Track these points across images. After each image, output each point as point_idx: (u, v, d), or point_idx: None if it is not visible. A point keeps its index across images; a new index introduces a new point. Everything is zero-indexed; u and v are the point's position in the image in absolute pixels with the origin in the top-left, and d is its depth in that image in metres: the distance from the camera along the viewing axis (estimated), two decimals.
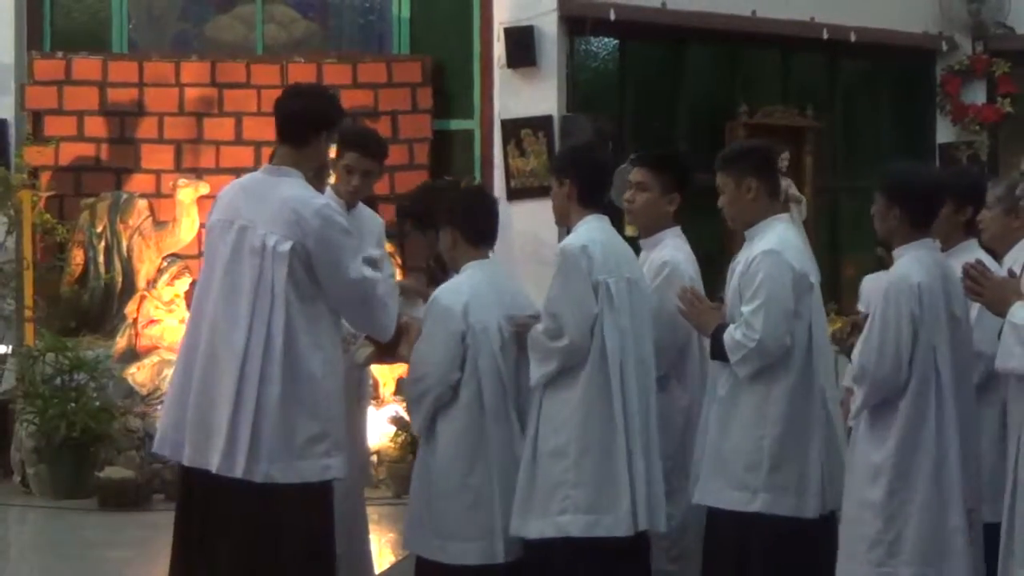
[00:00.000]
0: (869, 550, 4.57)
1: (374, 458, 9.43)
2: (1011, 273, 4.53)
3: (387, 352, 5.34)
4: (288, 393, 4.72)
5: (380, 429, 9.35)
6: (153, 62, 10.89)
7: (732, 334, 4.95)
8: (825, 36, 11.57)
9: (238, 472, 4.70)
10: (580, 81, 11.00)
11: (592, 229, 5.07)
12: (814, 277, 5.11)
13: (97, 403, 9.37)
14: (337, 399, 4.87)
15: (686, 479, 5.22)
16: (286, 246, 4.74)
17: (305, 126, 4.93)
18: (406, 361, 5.26)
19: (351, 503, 5.37)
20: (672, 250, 5.45)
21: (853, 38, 11.64)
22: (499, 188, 10.63)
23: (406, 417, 9.22)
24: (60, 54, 10.86)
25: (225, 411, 4.72)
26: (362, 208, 5.93)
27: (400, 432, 9.45)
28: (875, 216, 4.84)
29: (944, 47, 12.17)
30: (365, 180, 5.78)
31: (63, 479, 9.16)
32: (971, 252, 5.00)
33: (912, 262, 4.65)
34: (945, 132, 12.27)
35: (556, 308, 4.93)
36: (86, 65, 10.80)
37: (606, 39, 11.28)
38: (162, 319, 10.01)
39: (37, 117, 10.73)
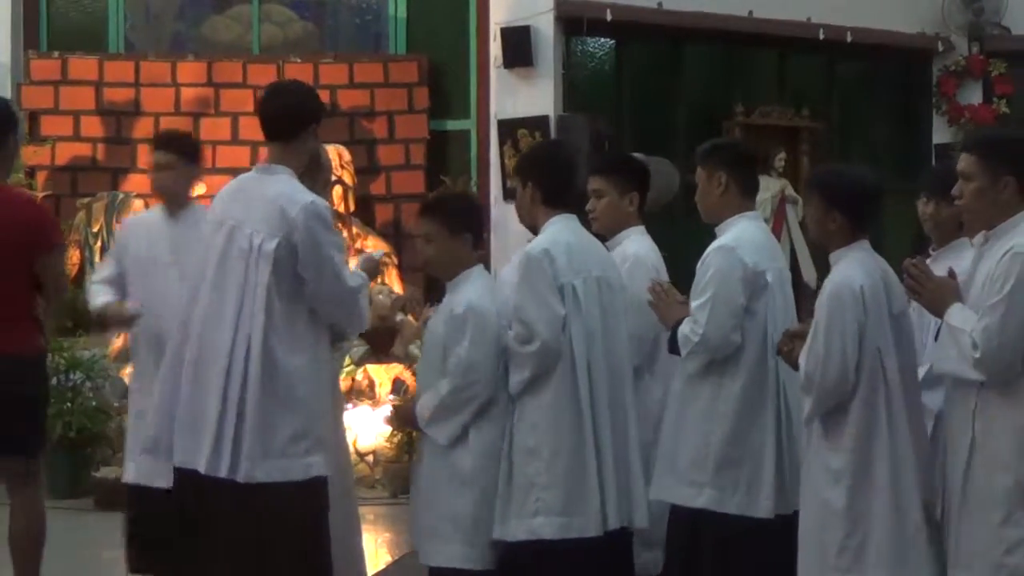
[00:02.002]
0: (837, 556, 4.54)
1: (370, 458, 9.43)
2: (951, 273, 4.53)
3: (381, 351, 5.35)
4: (267, 392, 4.75)
5: (376, 429, 9.34)
6: (149, 62, 10.89)
7: (683, 328, 4.98)
8: (822, 36, 11.58)
9: (223, 472, 4.73)
10: (576, 81, 11.00)
11: (558, 231, 5.06)
12: (772, 275, 5.06)
13: (93, 403, 9.37)
14: (317, 397, 4.88)
15: None
16: (271, 244, 4.78)
17: (290, 122, 4.96)
18: (400, 360, 5.25)
19: (343, 503, 5.37)
20: (635, 244, 5.50)
21: (850, 38, 11.65)
22: (495, 188, 10.63)
23: None
24: (56, 54, 10.86)
25: (213, 412, 4.76)
26: (197, 210, 6.00)
27: (396, 432, 9.44)
28: (809, 220, 4.80)
29: (940, 48, 12.18)
30: (169, 175, 5.95)
31: (59, 479, 9.13)
32: (961, 250, 4.99)
33: (852, 265, 4.60)
34: (941, 132, 12.28)
35: (524, 313, 4.92)
36: (82, 65, 10.80)
37: (602, 39, 11.28)
38: None
39: (33, 117, 10.73)
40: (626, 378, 5.10)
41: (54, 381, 9.36)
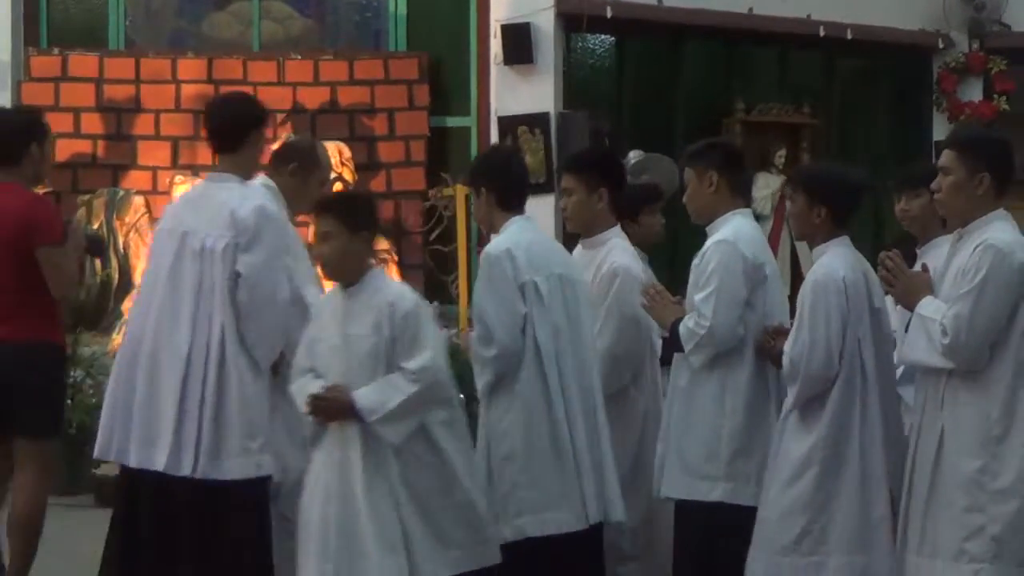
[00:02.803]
0: (798, 541, 4.65)
1: None
2: (924, 268, 4.60)
3: None
4: (223, 393, 4.88)
5: None
6: (150, 59, 10.90)
7: (686, 323, 5.03)
8: (822, 33, 11.59)
9: (185, 471, 4.85)
10: (577, 78, 11.02)
11: (516, 231, 5.10)
12: (770, 268, 5.15)
13: (93, 400, 9.36)
14: (265, 400, 4.97)
15: (644, 479, 5.28)
16: (221, 244, 4.90)
17: (233, 133, 5.15)
18: None
19: None
20: (619, 253, 5.49)
21: (850, 35, 11.67)
22: None
23: None
24: (57, 51, 10.87)
25: (170, 411, 4.88)
26: None
27: None
28: (793, 216, 4.99)
29: (941, 44, 12.19)
30: None
31: (58, 475, 9.14)
32: (944, 246, 5.02)
33: (835, 258, 4.76)
34: (941, 129, 12.26)
35: (483, 314, 4.97)
36: (83, 62, 10.80)
37: (603, 36, 11.30)
38: None
39: None
40: (593, 369, 5.13)
41: None
